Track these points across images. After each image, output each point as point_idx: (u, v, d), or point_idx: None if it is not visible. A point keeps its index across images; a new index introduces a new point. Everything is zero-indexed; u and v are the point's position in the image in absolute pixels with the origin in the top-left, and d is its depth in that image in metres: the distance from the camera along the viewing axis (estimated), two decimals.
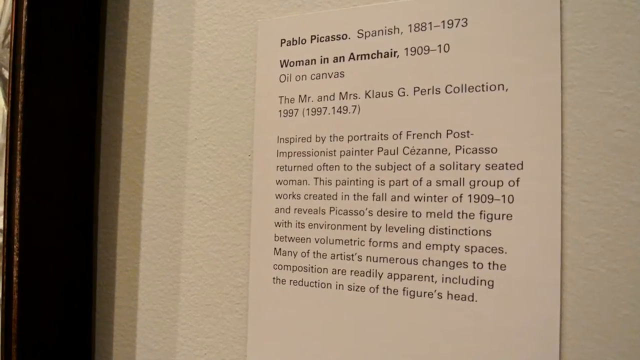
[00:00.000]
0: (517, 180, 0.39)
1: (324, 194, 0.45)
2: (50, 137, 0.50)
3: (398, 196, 0.43)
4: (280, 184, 0.47)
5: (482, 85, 0.41)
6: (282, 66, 0.47)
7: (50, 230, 0.50)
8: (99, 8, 0.54)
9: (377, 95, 0.44)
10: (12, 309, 0.47)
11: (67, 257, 0.52)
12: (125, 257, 0.53)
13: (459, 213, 0.41)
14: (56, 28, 0.50)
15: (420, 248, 0.42)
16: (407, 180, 0.42)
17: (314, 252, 0.45)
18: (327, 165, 0.45)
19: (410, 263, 0.42)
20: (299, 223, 0.46)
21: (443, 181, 0.41)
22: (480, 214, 0.40)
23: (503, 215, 0.40)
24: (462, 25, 0.42)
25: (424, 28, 0.43)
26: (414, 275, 0.42)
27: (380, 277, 0.43)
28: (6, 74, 0.56)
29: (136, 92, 0.53)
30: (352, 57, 0.45)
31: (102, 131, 0.54)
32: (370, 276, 0.43)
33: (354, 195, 0.44)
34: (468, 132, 0.41)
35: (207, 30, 0.51)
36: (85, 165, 0.53)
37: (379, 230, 0.43)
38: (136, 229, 0.53)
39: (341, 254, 0.44)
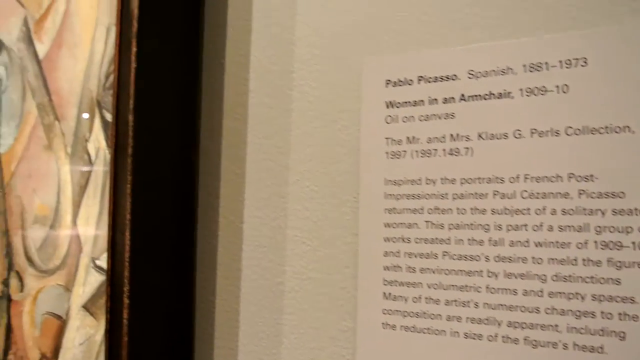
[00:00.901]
0: None
1: (436, 238, 0.44)
2: (155, 179, 0.50)
3: (517, 241, 0.41)
4: (389, 226, 0.46)
5: (606, 127, 0.40)
6: (387, 107, 0.47)
7: (155, 272, 0.51)
8: (198, 50, 0.55)
9: (491, 137, 0.43)
10: (122, 350, 0.48)
11: (169, 297, 0.52)
12: (225, 297, 0.53)
13: (584, 260, 0.39)
14: (160, 72, 0.51)
15: (542, 296, 0.40)
16: (526, 225, 0.41)
17: (426, 298, 0.44)
18: (438, 209, 0.44)
19: (532, 311, 0.41)
20: (409, 267, 0.45)
21: (566, 226, 0.40)
22: (608, 261, 0.39)
23: (633, 263, 0.38)
24: (582, 65, 0.41)
25: (539, 68, 0.42)
26: (537, 324, 0.40)
27: (500, 325, 0.41)
28: (107, 115, 0.57)
29: (235, 132, 0.54)
30: (462, 98, 0.44)
31: (201, 171, 0.55)
32: (488, 324, 0.42)
33: (469, 239, 0.43)
34: (592, 175, 0.40)
35: (307, 70, 0.51)
36: (186, 206, 0.53)
37: (496, 277, 0.42)
38: (236, 269, 0.53)
39: (456, 300, 0.43)
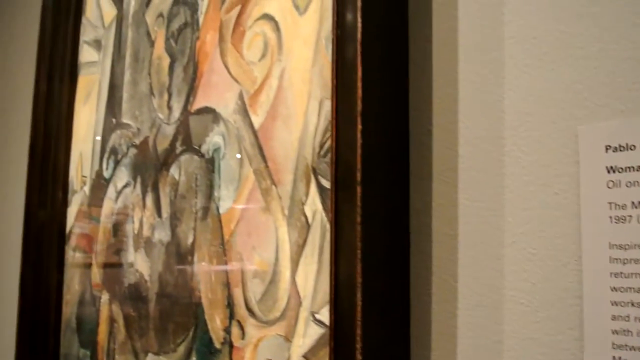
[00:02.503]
0: None
1: None
2: (376, 243, 0.55)
3: None
4: (616, 290, 0.46)
5: None
6: (609, 172, 0.48)
7: (377, 328, 0.55)
8: (407, 118, 0.59)
9: None
10: None
11: (388, 353, 0.56)
12: (439, 353, 0.56)
13: None
14: (379, 143, 0.55)
15: None
16: None
17: None
18: None
19: None
20: None
21: None
22: None
23: None
24: None
25: None
26: None
27: None
28: (322, 181, 0.63)
29: (445, 195, 0.57)
30: None
31: (412, 231, 0.59)
32: None
33: None
34: None
35: (519, 137, 0.53)
36: (402, 265, 0.57)
37: None
38: (452, 326, 0.55)
39: None
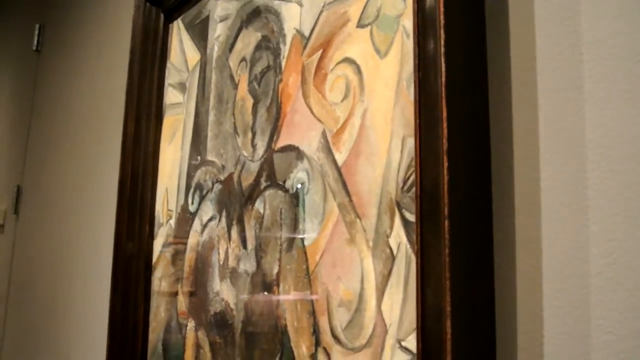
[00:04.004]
0: None
1: None
2: (460, 270, 0.57)
3: None
4: None
5: None
6: None
7: (463, 355, 0.57)
8: (487, 154, 0.62)
9: None
10: None
11: None
12: None
13: None
14: (465, 184, 0.59)
15: None
16: None
17: None
18: None
19: None
20: None
21: None
22: None
23: None
24: None
25: None
26: None
27: None
28: (407, 214, 0.66)
29: (527, 228, 0.59)
30: None
31: (496, 266, 0.61)
32: None
33: None
34: None
35: (600, 170, 0.55)
36: (484, 294, 0.60)
37: None
38: (538, 355, 0.57)
39: None
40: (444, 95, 0.60)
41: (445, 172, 0.57)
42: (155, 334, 1.14)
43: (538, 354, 0.57)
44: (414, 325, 0.62)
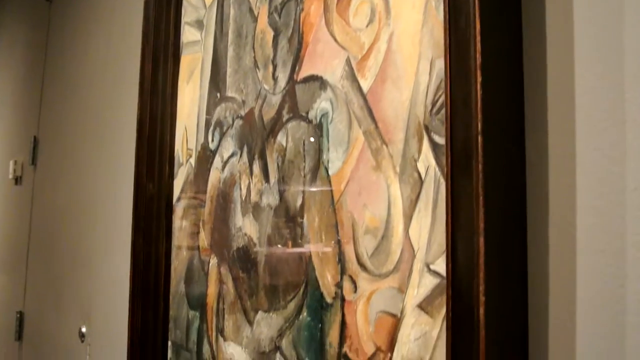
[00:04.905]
0: None
1: None
2: (493, 190, 0.56)
3: None
4: None
5: None
6: None
7: (494, 275, 0.57)
8: (520, 75, 0.60)
9: None
10: (479, 344, 0.54)
11: (507, 297, 0.58)
12: (557, 301, 0.57)
13: None
14: (498, 99, 0.57)
15: None
16: None
17: None
18: None
19: None
20: None
21: None
22: None
23: None
24: None
25: None
26: None
27: None
28: (435, 137, 0.65)
29: (562, 147, 0.58)
30: None
31: (528, 185, 0.60)
32: None
33: None
34: None
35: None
36: (517, 214, 0.59)
37: None
38: (571, 271, 0.57)
39: None
40: (477, 12, 0.58)
41: (479, 87, 0.55)
42: (177, 272, 1.15)
43: (570, 270, 0.57)
44: (443, 248, 0.61)
